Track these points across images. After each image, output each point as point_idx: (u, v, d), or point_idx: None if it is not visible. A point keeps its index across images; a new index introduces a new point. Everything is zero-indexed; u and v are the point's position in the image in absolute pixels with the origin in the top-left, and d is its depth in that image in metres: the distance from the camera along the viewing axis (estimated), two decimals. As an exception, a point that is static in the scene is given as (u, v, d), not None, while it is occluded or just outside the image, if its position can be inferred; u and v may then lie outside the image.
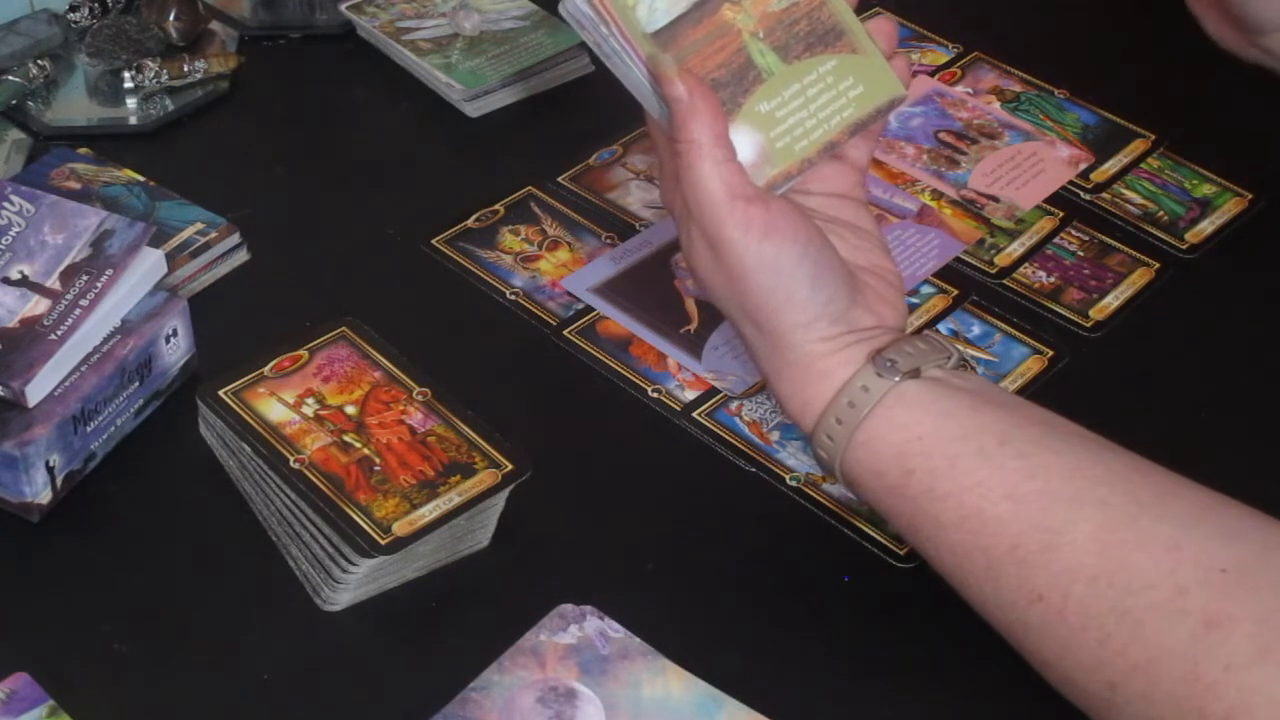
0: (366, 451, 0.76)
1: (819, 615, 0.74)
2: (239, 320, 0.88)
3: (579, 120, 1.04)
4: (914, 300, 0.90)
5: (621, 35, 0.68)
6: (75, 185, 0.91)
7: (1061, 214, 0.97)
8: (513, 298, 0.90)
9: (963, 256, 0.93)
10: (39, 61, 1.01)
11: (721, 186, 0.67)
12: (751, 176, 0.68)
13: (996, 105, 1.04)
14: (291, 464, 0.75)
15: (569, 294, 0.90)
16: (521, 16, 1.09)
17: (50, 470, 0.76)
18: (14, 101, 1.00)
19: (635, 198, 0.97)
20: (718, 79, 0.69)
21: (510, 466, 0.76)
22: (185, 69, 1.02)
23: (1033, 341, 0.88)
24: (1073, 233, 0.95)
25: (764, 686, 0.70)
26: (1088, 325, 0.90)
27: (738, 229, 0.67)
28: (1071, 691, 0.64)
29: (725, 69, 0.69)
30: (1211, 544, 0.61)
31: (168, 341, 0.82)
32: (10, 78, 1.00)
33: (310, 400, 0.78)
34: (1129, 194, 0.98)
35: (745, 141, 0.69)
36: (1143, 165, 1.00)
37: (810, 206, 0.72)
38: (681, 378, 0.86)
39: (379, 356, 0.80)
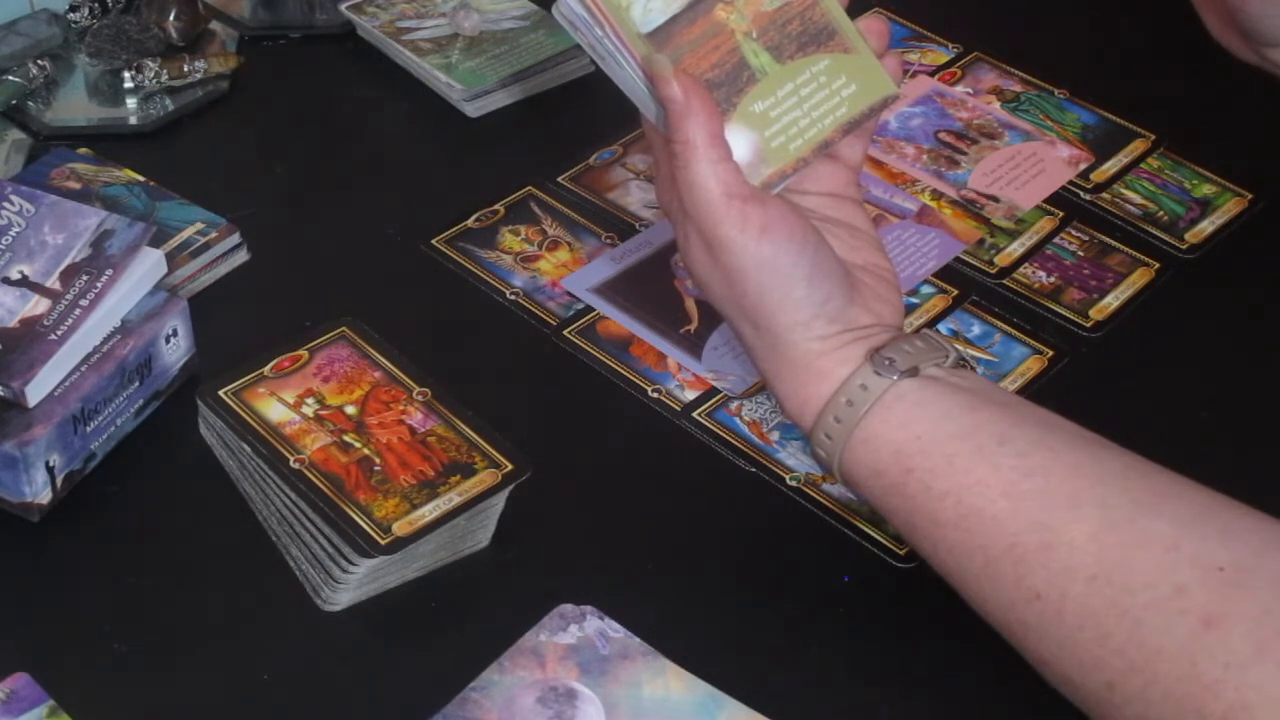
0: (366, 451, 0.76)
1: (819, 615, 0.74)
2: (239, 320, 0.88)
3: (579, 120, 1.04)
4: (914, 300, 0.90)
5: (616, 36, 0.68)
6: (75, 185, 0.91)
7: (1061, 214, 0.97)
8: (513, 298, 0.90)
9: (963, 256, 0.93)
10: (39, 61, 1.01)
11: (718, 186, 0.67)
12: (747, 176, 0.68)
13: (996, 105, 1.04)
14: (291, 464, 0.75)
15: (569, 294, 0.90)
16: (521, 16, 1.09)
17: (50, 470, 0.76)
18: (14, 101, 1.00)
19: (635, 198, 0.97)
20: (712, 79, 0.69)
21: (510, 466, 0.76)
22: (185, 69, 1.02)
23: (1033, 341, 0.88)
24: (1073, 233, 0.95)
25: (764, 686, 0.71)
26: (1088, 325, 0.90)
27: (734, 228, 0.67)
28: (1070, 690, 0.64)
29: (719, 69, 0.69)
30: (1210, 543, 0.61)
31: (168, 341, 0.82)
32: (10, 78, 1.00)
33: (310, 400, 0.78)
34: (1129, 194, 0.98)
35: (740, 141, 0.69)
36: (1143, 165, 1.00)
37: (806, 206, 0.72)
38: (681, 378, 0.86)
39: (379, 356, 0.80)
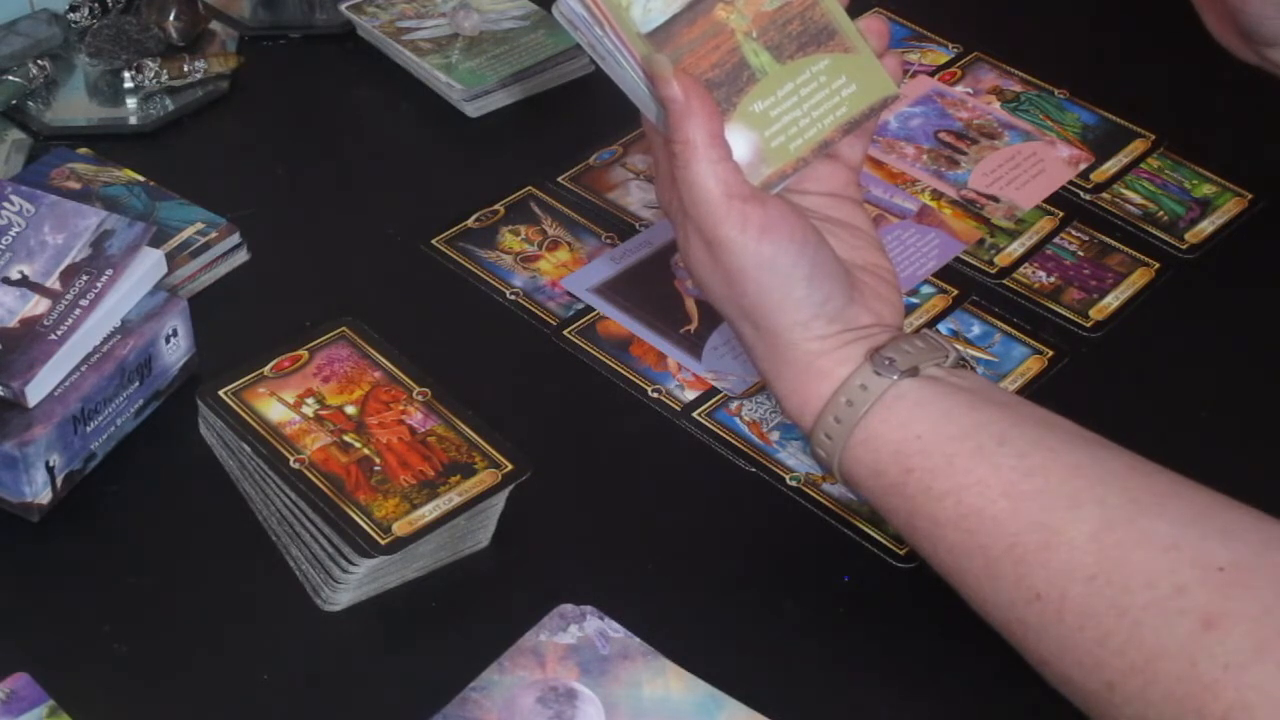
0: (366, 451, 0.76)
1: (819, 615, 0.74)
2: (239, 320, 0.88)
3: (579, 120, 1.04)
4: (914, 300, 0.90)
5: (616, 36, 0.68)
6: (75, 185, 0.91)
7: (1061, 214, 0.97)
8: (513, 298, 0.90)
9: (963, 256, 0.93)
10: (39, 61, 1.01)
11: (718, 186, 0.67)
12: (747, 176, 0.68)
13: (996, 105, 1.04)
14: (291, 464, 0.75)
15: (569, 294, 0.90)
16: (521, 16, 1.09)
17: (50, 470, 0.76)
18: (14, 101, 1.00)
19: (635, 198, 0.97)
20: (712, 79, 0.69)
21: (510, 466, 0.76)
22: (185, 69, 1.02)
23: (1033, 341, 0.88)
24: (1073, 233, 0.95)
25: (764, 686, 0.71)
26: (1088, 325, 0.90)
27: (735, 228, 0.67)
28: (1070, 690, 0.64)
29: (719, 69, 0.69)
30: (1209, 543, 0.61)
31: (168, 341, 0.82)
32: (10, 78, 1.00)
33: (310, 400, 0.78)
34: (1129, 194, 0.98)
35: (740, 141, 0.69)
36: (1143, 165, 1.00)
37: (806, 206, 0.72)
38: (681, 378, 0.86)
39: (379, 356, 0.80)
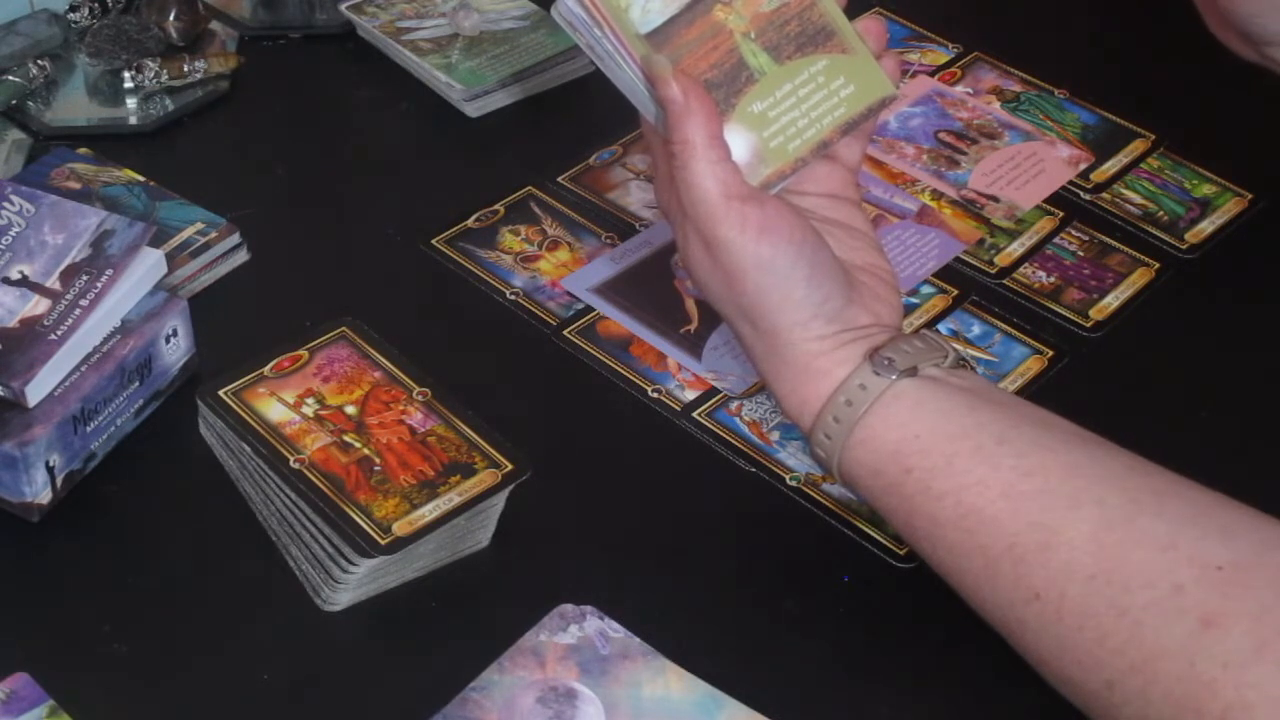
0: (366, 451, 0.76)
1: (819, 615, 0.74)
2: (239, 320, 0.88)
3: (579, 120, 1.04)
4: (914, 300, 0.90)
5: (615, 37, 0.68)
6: (75, 185, 0.91)
7: (1061, 214, 0.97)
8: (513, 298, 0.90)
9: (963, 256, 0.93)
10: (39, 61, 1.01)
11: (717, 186, 0.67)
12: (745, 176, 0.68)
13: (996, 105, 1.04)
14: (291, 464, 0.75)
15: (569, 294, 0.90)
16: (521, 17, 1.09)
17: (50, 470, 0.76)
18: (14, 101, 1.00)
19: (635, 198, 0.97)
20: (711, 80, 0.69)
21: (510, 466, 0.76)
22: (185, 69, 1.02)
23: (1033, 341, 0.88)
24: (1073, 233, 0.95)
25: (764, 686, 0.71)
26: (1088, 325, 0.90)
27: (734, 229, 0.67)
28: (1070, 690, 0.64)
29: (718, 70, 0.69)
30: (1208, 542, 0.61)
31: (168, 341, 0.82)
32: (10, 78, 1.00)
33: (310, 400, 0.78)
34: (1129, 194, 0.98)
35: (739, 141, 0.69)
36: (1143, 165, 1.00)
37: (804, 207, 0.72)
38: (681, 378, 0.86)
39: (379, 356, 0.80)
